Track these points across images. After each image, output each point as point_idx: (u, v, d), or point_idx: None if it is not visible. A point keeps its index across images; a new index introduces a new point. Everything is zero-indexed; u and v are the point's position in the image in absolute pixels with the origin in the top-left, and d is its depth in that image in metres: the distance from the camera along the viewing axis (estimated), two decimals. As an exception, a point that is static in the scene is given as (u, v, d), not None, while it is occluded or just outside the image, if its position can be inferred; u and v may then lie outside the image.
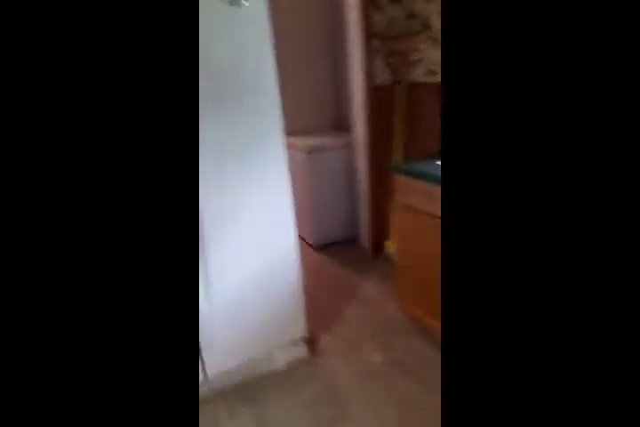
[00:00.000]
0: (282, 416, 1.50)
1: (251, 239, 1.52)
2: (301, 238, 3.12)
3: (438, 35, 2.10)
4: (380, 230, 2.67)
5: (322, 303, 2.23)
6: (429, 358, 1.74)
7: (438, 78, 2.16)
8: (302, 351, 1.80)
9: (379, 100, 2.39)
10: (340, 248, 2.89)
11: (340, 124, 3.26)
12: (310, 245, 2.95)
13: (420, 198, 1.66)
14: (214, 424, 1.49)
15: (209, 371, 1.54)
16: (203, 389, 1.56)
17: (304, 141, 2.75)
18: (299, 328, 1.74)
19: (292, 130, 3.13)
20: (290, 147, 2.85)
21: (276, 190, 1.53)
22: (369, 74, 2.35)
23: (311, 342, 1.87)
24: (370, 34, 2.29)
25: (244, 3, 1.22)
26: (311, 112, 3.17)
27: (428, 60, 2.21)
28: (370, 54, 2.33)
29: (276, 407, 1.54)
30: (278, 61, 1.40)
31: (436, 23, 2.09)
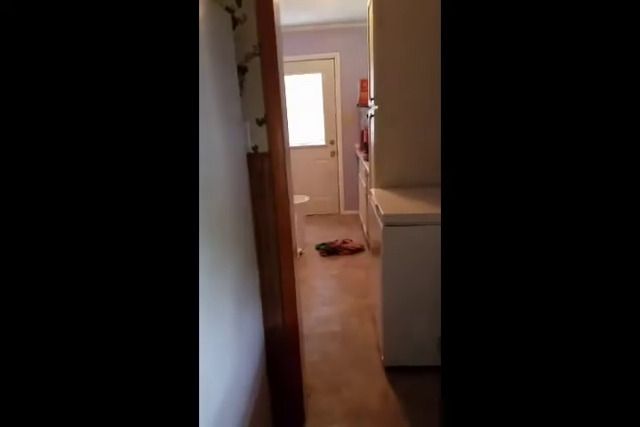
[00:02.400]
0: None
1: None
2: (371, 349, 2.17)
3: None
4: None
5: None
6: None
7: None
8: None
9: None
10: (423, 379, 1.83)
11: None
12: (383, 364, 1.97)
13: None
14: None
15: None
16: None
17: (392, 204, 1.84)
18: None
19: (391, 181, 2.26)
20: (375, 208, 1.95)
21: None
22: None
23: None
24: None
25: None
26: (433, 160, 2.21)
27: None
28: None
29: None
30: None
31: None
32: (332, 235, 3.97)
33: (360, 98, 3.93)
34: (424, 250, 1.71)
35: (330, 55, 4.45)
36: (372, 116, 2.32)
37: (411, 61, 2.08)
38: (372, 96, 2.23)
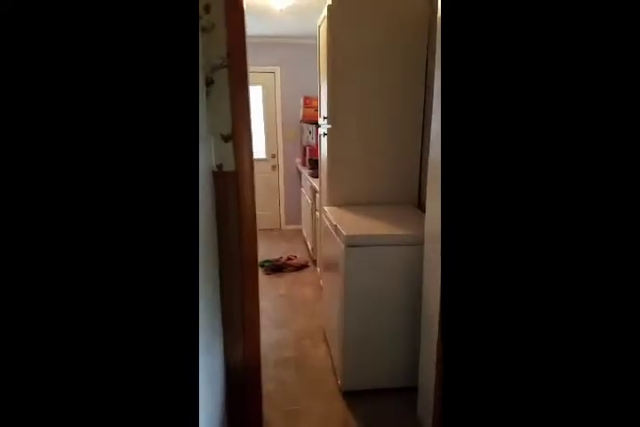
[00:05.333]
0: None
1: None
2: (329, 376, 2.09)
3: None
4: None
5: None
6: None
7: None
8: None
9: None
10: (383, 403, 1.80)
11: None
12: (340, 389, 1.90)
13: None
14: None
15: None
16: None
17: (352, 224, 1.81)
18: None
19: (345, 199, 2.24)
20: (334, 228, 1.85)
21: None
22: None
23: None
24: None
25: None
26: (389, 179, 2.23)
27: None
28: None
29: None
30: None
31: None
32: (275, 251, 3.86)
33: (304, 114, 3.92)
34: (387, 271, 1.70)
35: (270, 69, 4.40)
36: (325, 134, 2.30)
37: (366, 81, 2.11)
38: (326, 115, 2.22)
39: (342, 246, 1.71)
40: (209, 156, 1.19)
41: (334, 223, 1.88)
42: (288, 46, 4.33)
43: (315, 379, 1.99)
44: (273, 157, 4.62)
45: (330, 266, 2.13)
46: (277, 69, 4.41)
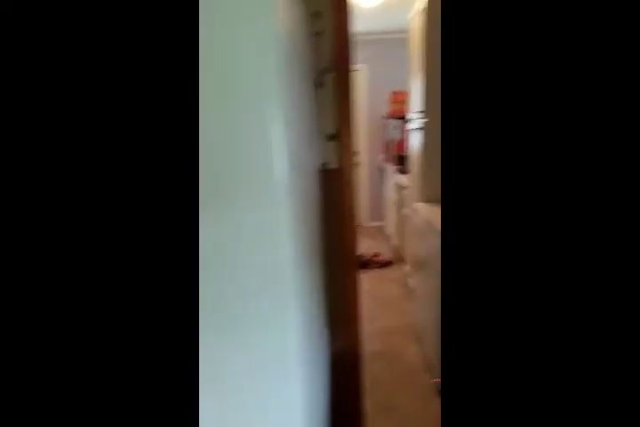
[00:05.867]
0: None
1: None
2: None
3: None
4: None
5: None
6: None
7: None
8: None
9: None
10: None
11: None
12: (437, 387, 1.88)
13: None
14: None
15: None
16: None
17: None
18: None
19: (438, 195, 2.19)
20: (428, 225, 1.90)
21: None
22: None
23: None
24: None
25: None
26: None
27: None
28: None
29: None
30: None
31: None
32: (360, 247, 3.91)
33: (391, 109, 3.89)
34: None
35: (357, 67, 4.43)
36: (420, 128, 2.27)
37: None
38: (422, 109, 2.18)
39: (439, 243, 1.68)
40: (316, 155, 1.26)
41: (429, 220, 1.86)
42: (374, 42, 4.32)
43: (407, 374, 2.00)
44: (356, 153, 4.66)
45: (423, 264, 2.10)
46: (365, 67, 4.42)
